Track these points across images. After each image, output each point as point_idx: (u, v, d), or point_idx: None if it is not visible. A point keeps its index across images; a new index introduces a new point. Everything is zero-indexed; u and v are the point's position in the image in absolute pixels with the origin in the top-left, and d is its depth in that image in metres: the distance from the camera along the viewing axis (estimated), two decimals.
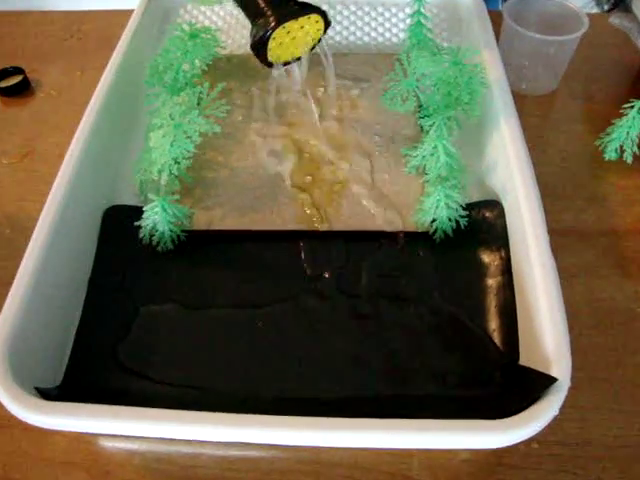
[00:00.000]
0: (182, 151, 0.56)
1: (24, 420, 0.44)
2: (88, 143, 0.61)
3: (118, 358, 0.52)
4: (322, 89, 0.68)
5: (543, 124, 0.77)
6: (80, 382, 0.51)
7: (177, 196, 0.57)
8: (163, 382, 0.50)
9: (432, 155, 0.57)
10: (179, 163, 0.57)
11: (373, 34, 0.76)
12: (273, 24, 0.57)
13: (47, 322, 0.52)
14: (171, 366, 0.51)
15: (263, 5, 0.58)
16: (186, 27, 0.65)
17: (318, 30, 0.62)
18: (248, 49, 0.73)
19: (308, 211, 0.59)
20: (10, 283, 0.62)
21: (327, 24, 0.61)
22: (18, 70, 0.81)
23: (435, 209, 0.55)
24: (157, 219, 0.56)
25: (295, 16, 0.58)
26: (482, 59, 0.66)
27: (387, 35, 0.77)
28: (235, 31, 0.77)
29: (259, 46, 0.59)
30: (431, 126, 0.60)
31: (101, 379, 0.51)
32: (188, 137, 0.56)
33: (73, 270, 0.56)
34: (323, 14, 0.60)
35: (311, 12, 0.58)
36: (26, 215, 0.67)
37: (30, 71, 0.81)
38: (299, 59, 0.65)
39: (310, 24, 0.60)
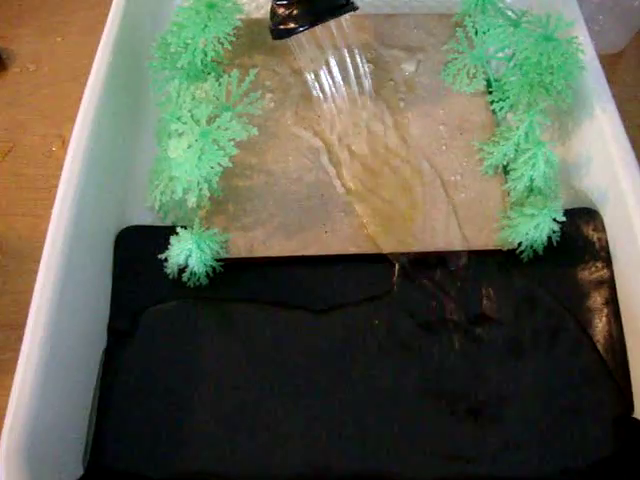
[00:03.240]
0: (214, 166, 0.45)
1: None
2: (91, 146, 0.49)
3: (150, 436, 0.43)
4: (369, 69, 0.56)
5: (615, 90, 0.66)
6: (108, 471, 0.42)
7: (215, 229, 0.46)
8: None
9: (525, 163, 0.46)
10: (210, 181, 0.46)
11: None
12: (302, 26, 0.46)
13: (66, 395, 0.42)
14: (216, 446, 0.42)
15: None
16: None
17: None
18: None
19: (368, 227, 0.49)
20: (8, 325, 0.52)
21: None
22: None
23: (533, 230, 0.45)
24: (189, 256, 0.45)
25: (328, 18, 0.47)
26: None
27: None
28: None
29: (281, 37, 0.48)
30: (514, 117, 0.50)
31: (132, 466, 0.42)
32: (220, 148, 0.45)
33: (89, 317, 0.46)
34: (355, 9, 0.48)
35: (346, 12, 0.47)
36: (16, 234, 0.55)
37: None
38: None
39: None
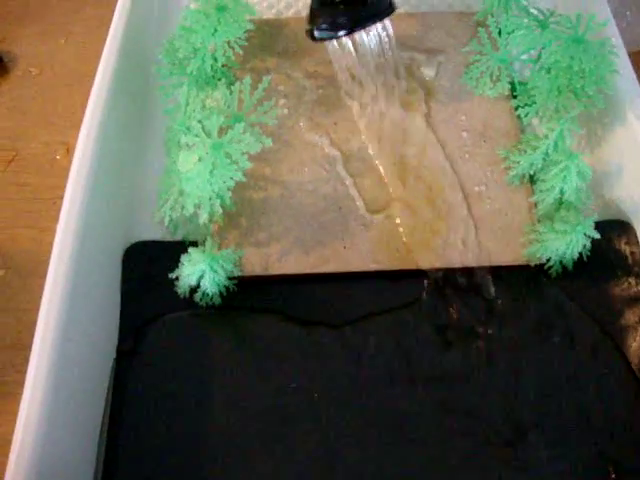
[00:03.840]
0: (226, 180, 0.42)
1: None
2: (97, 156, 0.47)
3: (163, 465, 0.41)
4: (387, 74, 0.53)
5: None
6: None
7: (228, 249, 0.43)
8: None
9: (556, 175, 0.43)
10: (222, 196, 0.43)
11: None
12: (344, 29, 0.45)
13: (75, 420, 0.40)
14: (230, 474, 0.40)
15: None
16: None
17: None
18: (282, 10, 0.58)
19: (390, 242, 0.46)
20: (12, 346, 0.50)
21: None
22: None
23: (564, 246, 0.42)
24: (201, 277, 0.43)
25: (370, 23, 0.45)
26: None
27: None
28: None
29: (322, 39, 0.46)
30: (542, 124, 0.47)
31: None
32: (233, 162, 0.42)
33: (97, 336, 0.44)
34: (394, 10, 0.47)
35: (387, 15, 0.46)
36: (21, 248, 0.53)
37: None
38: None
39: None
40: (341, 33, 0.45)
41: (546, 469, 0.40)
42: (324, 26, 0.45)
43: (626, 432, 0.41)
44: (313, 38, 0.46)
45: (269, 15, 0.58)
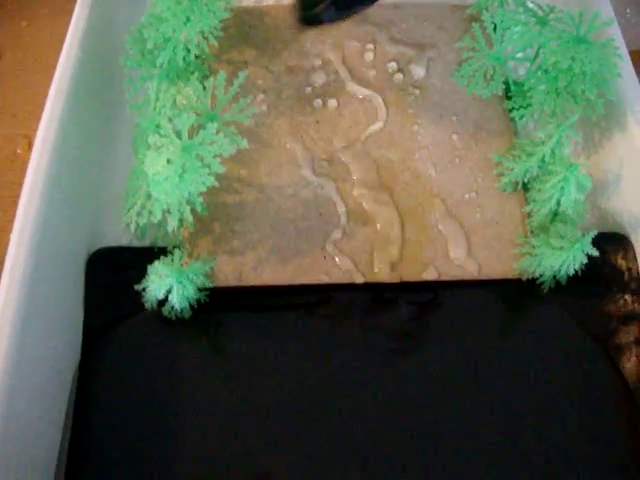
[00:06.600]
0: (197, 186, 0.39)
1: None
2: (58, 152, 0.43)
3: None
4: (373, 69, 0.50)
5: None
6: None
7: (198, 262, 0.40)
8: None
9: (553, 187, 0.40)
10: (193, 202, 0.40)
11: None
12: (336, 15, 0.40)
13: (33, 444, 0.37)
14: None
15: None
16: None
17: None
18: None
19: (373, 253, 0.43)
20: None
21: None
22: None
23: (561, 263, 0.40)
24: (169, 291, 0.39)
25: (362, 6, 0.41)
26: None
27: None
28: None
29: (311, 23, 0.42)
30: (539, 130, 0.44)
31: None
32: (204, 165, 0.39)
33: (57, 352, 0.40)
34: None
35: None
36: None
37: None
38: None
39: None
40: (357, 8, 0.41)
41: None
42: (331, 6, 0.40)
43: (621, 453, 0.39)
44: (318, 22, 0.42)
45: (248, 3, 0.54)
